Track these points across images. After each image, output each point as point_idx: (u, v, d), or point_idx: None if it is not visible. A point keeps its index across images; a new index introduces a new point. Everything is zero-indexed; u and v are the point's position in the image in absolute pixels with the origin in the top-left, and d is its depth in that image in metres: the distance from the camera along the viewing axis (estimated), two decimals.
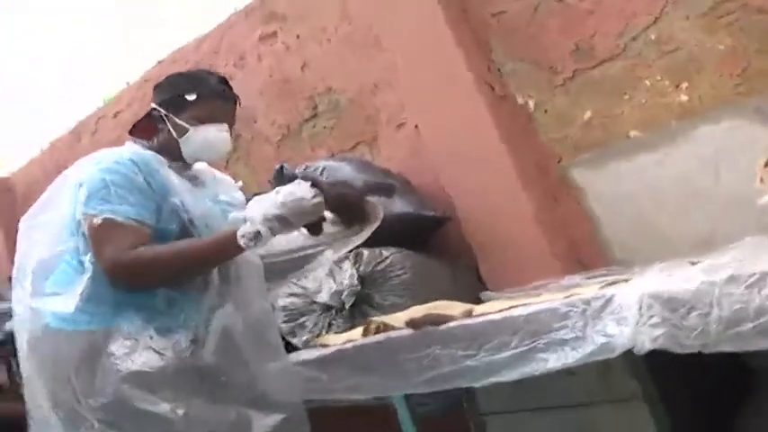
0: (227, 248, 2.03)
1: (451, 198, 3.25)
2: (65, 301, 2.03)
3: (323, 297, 2.86)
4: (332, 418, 2.38)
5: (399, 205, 3.11)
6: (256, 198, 2.02)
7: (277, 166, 2.08)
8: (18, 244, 2.25)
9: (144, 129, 2.34)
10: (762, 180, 1.87)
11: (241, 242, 1.95)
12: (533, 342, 1.86)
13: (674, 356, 1.66)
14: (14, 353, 4.72)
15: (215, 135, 2.28)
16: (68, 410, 2.00)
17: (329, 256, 2.41)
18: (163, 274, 2.05)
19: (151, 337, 2.03)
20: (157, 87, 2.38)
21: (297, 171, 2.08)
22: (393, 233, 3.02)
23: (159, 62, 5.29)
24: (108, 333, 2.02)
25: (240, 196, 2.48)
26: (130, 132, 2.37)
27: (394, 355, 2.19)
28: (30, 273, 2.14)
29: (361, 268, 2.89)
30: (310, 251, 2.37)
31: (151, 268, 2.02)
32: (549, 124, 3.14)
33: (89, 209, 2.05)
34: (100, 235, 2.02)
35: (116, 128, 5.33)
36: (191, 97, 2.27)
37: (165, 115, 2.27)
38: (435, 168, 3.36)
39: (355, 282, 2.84)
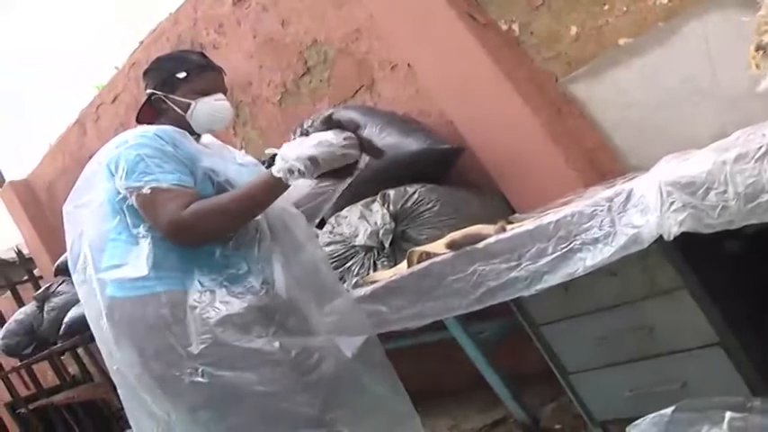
0: (269, 186, 2.18)
1: (460, 130, 3.31)
2: (133, 268, 2.15)
3: (360, 240, 2.99)
4: (398, 359, 2.52)
5: (414, 143, 3.22)
6: (291, 142, 2.16)
7: (327, 113, 2.19)
8: (66, 228, 2.37)
9: (147, 115, 2.48)
10: (757, 66, 1.88)
11: (279, 175, 2.11)
12: (569, 244, 1.97)
13: (709, 245, 1.78)
14: (82, 342, 4.92)
15: (217, 104, 2.42)
16: (163, 366, 2.13)
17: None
18: (220, 221, 2.19)
19: (225, 286, 2.18)
20: (147, 73, 2.51)
21: (343, 120, 2.20)
22: (413, 170, 3.16)
23: (141, 42, 5.37)
24: (184, 291, 2.15)
25: (252, 158, 2.62)
26: (137, 121, 2.49)
27: (442, 278, 2.33)
28: (86, 251, 2.26)
29: (391, 207, 3.01)
30: (320, 198, 2.53)
31: (208, 218, 2.16)
32: (538, 45, 3.19)
33: (132, 182, 2.16)
34: (152, 202, 2.14)
35: (117, 112, 5.43)
36: (181, 75, 2.40)
37: (165, 96, 2.41)
38: (438, 104, 3.45)
39: (388, 220, 2.96)
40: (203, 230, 2.17)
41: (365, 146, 2.26)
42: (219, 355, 2.11)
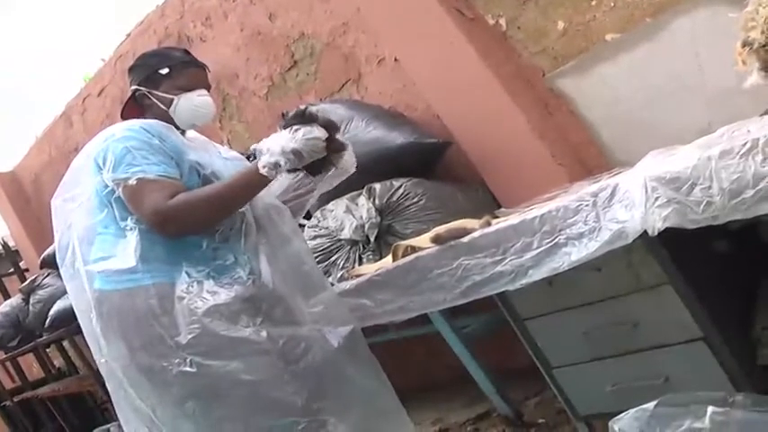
0: (252, 180, 2.18)
1: (447, 124, 3.33)
2: (121, 260, 2.16)
3: (346, 233, 2.99)
4: (384, 353, 2.52)
5: (400, 137, 3.22)
6: (273, 135, 2.17)
7: (302, 107, 2.20)
8: (54, 222, 2.37)
9: (132, 111, 2.49)
10: (743, 62, 1.88)
11: (263, 171, 2.12)
12: (553, 239, 1.97)
13: (694, 241, 1.78)
14: (68, 334, 4.91)
15: (199, 99, 2.44)
16: (151, 357, 2.13)
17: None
18: (204, 212, 2.20)
19: (213, 277, 2.19)
20: (131, 70, 2.53)
21: (317, 113, 2.22)
22: (399, 164, 3.16)
23: (128, 35, 5.34)
24: (172, 284, 2.16)
25: (236, 153, 2.65)
26: (122, 117, 2.49)
27: (427, 272, 2.33)
28: (75, 244, 2.26)
29: (377, 201, 3.01)
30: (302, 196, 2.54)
31: (192, 209, 2.17)
32: (526, 39, 3.20)
33: (119, 174, 2.18)
34: (137, 193, 2.15)
35: (104, 104, 5.41)
36: (163, 71, 2.43)
37: (148, 92, 2.43)
38: (425, 98, 3.46)
39: (374, 214, 2.96)
40: (187, 221, 2.18)
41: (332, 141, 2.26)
42: (207, 345, 2.11)
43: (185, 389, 2.13)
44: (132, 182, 2.15)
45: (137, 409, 2.22)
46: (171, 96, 2.40)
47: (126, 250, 2.17)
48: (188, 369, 2.10)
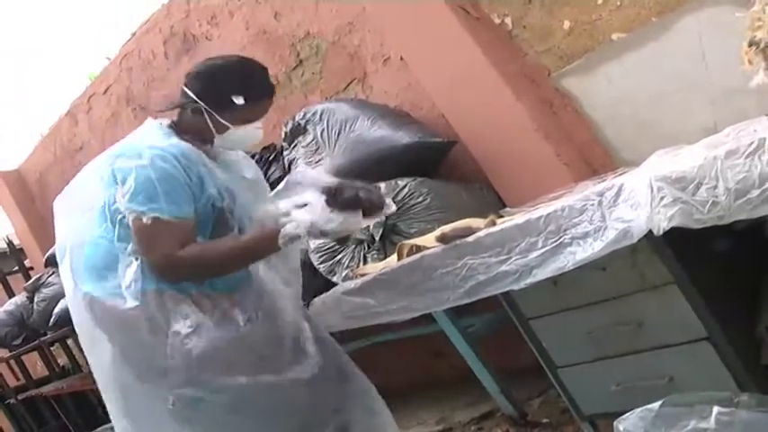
0: (267, 246, 2.14)
1: (452, 124, 3.32)
2: (124, 298, 2.13)
3: None
4: (388, 352, 2.52)
5: (405, 136, 3.20)
6: (312, 204, 2.07)
7: (360, 194, 2.12)
8: (56, 224, 2.37)
9: (173, 107, 2.37)
10: (750, 61, 1.89)
11: (280, 242, 2.07)
12: (558, 239, 1.97)
13: (699, 241, 1.78)
14: (72, 333, 4.93)
15: (253, 133, 2.35)
16: (134, 377, 2.16)
17: None
18: (211, 269, 2.18)
19: (210, 316, 2.16)
20: (199, 76, 2.32)
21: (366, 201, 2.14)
22: (404, 163, 3.15)
23: (133, 34, 5.34)
24: (166, 313, 2.14)
25: (257, 170, 2.58)
26: (157, 108, 2.42)
27: (432, 272, 2.32)
28: (68, 252, 2.27)
29: None
30: None
31: (200, 264, 2.14)
32: (531, 39, 3.20)
33: (136, 205, 2.10)
34: (149, 234, 2.10)
35: (109, 103, 5.41)
36: (238, 101, 2.25)
37: (206, 110, 2.27)
38: (430, 97, 3.46)
39: None
40: (192, 273, 2.17)
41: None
42: (197, 387, 2.13)
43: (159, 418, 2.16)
44: (146, 220, 2.09)
45: (116, 418, 2.26)
46: (228, 125, 2.28)
47: (126, 281, 2.14)
48: (169, 407, 2.13)
